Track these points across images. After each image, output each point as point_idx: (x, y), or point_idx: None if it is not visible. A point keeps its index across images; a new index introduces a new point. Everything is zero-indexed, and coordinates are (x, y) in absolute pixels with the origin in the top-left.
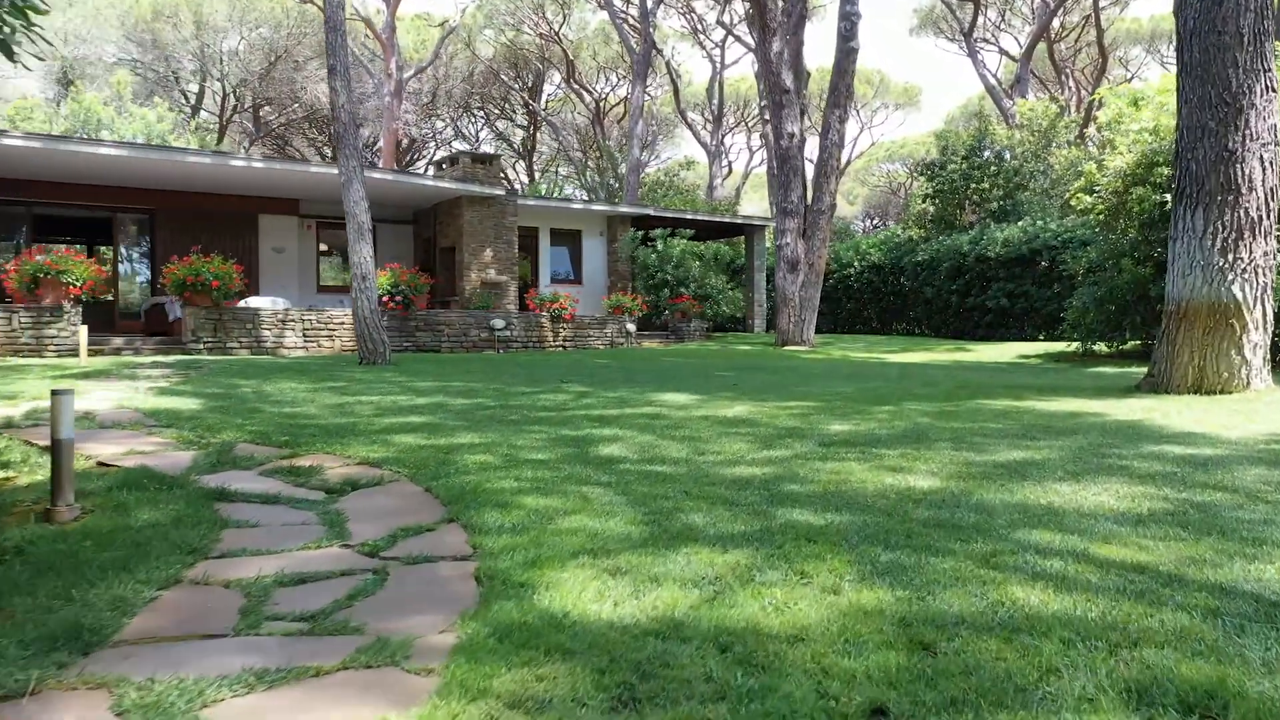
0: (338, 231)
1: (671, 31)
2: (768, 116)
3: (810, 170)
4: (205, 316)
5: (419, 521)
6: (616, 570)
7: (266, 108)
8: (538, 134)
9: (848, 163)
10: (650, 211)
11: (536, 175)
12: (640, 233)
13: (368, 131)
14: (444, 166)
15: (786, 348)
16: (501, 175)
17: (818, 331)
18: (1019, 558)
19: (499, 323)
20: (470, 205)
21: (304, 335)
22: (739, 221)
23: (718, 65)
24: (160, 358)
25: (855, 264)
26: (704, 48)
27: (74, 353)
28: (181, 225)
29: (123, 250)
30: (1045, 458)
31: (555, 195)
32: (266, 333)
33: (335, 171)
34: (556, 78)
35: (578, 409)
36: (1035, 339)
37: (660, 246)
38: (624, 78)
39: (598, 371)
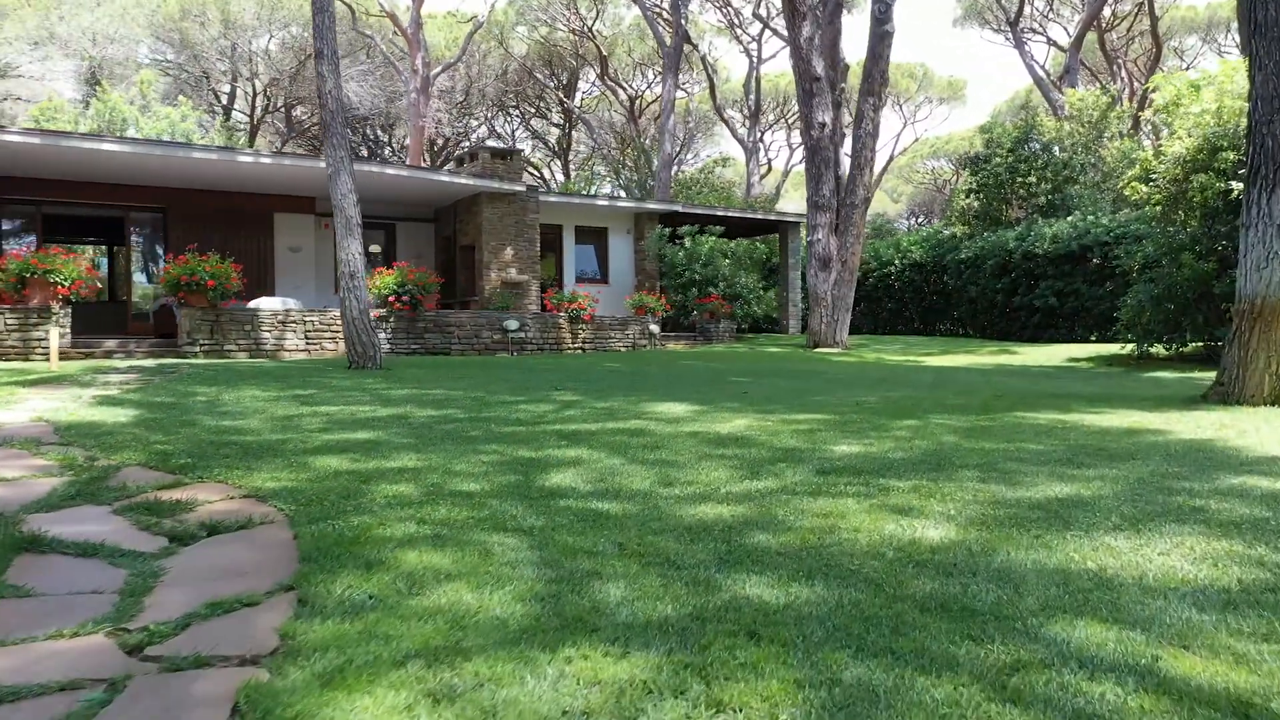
0: (362, 231)
1: (708, 26)
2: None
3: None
4: (201, 318)
5: (249, 590)
6: (447, 693)
7: (299, 108)
8: (573, 132)
9: (890, 159)
10: (678, 208)
11: (572, 174)
12: (667, 230)
13: (403, 132)
14: (464, 162)
15: (818, 350)
16: (524, 170)
17: (855, 332)
18: (1054, 678)
19: (512, 324)
20: (489, 202)
21: (306, 337)
22: (772, 218)
23: (754, 59)
24: (144, 361)
25: (896, 262)
26: (740, 42)
27: (64, 355)
28: (194, 224)
29: (135, 250)
30: (1095, 494)
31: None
32: (266, 335)
33: (373, 169)
34: (592, 75)
35: (554, 423)
36: (1087, 340)
37: (688, 244)
38: (660, 74)
39: (602, 376)
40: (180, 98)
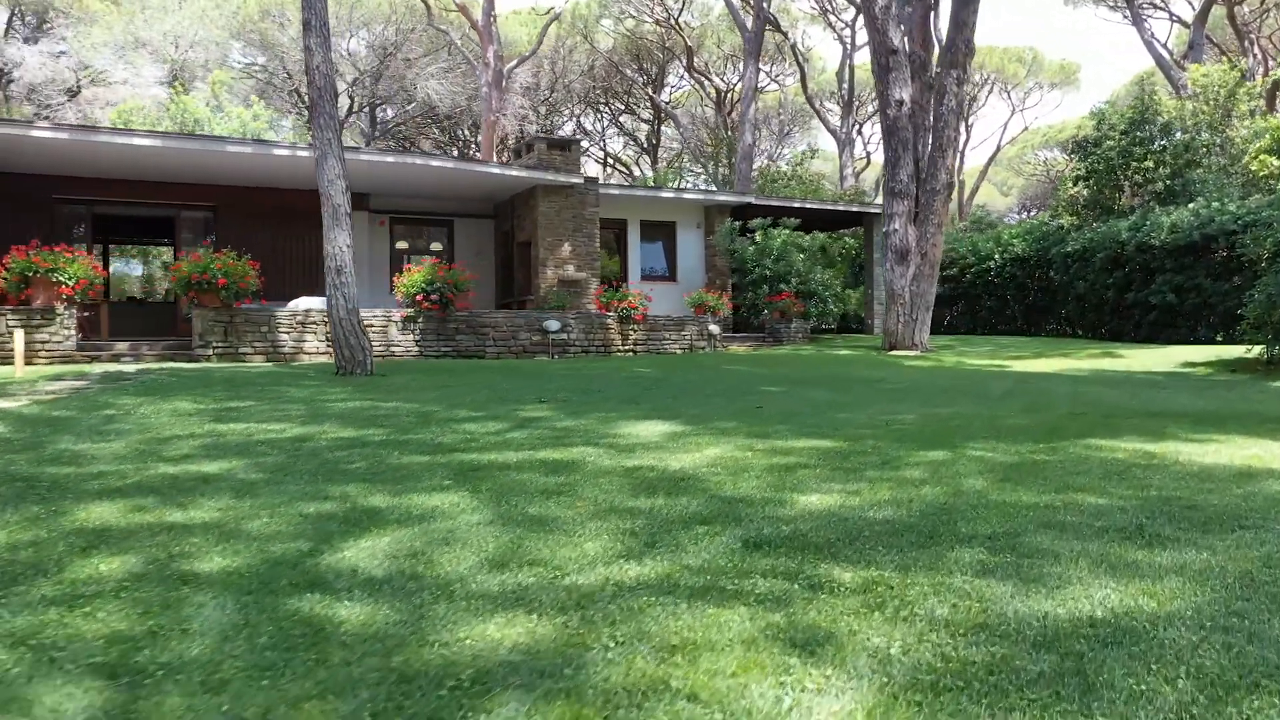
0: (420, 228)
1: (800, 14)
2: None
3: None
4: (215, 319)
5: None
6: None
7: (383, 107)
8: (662, 128)
9: (997, 150)
10: (751, 199)
11: (662, 170)
12: (738, 223)
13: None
14: (521, 154)
15: (893, 353)
16: (581, 161)
17: (950, 332)
18: None
19: (553, 324)
20: (546, 195)
21: (327, 339)
22: (854, 209)
23: (848, 47)
24: (141, 365)
25: (996, 257)
26: (833, 29)
27: (69, 358)
28: (243, 223)
29: (186, 250)
30: (1164, 612)
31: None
32: (284, 336)
33: (391, 159)
34: (680, 69)
35: (475, 449)
36: (1211, 341)
37: (759, 238)
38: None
39: (612, 385)
40: (253, 97)
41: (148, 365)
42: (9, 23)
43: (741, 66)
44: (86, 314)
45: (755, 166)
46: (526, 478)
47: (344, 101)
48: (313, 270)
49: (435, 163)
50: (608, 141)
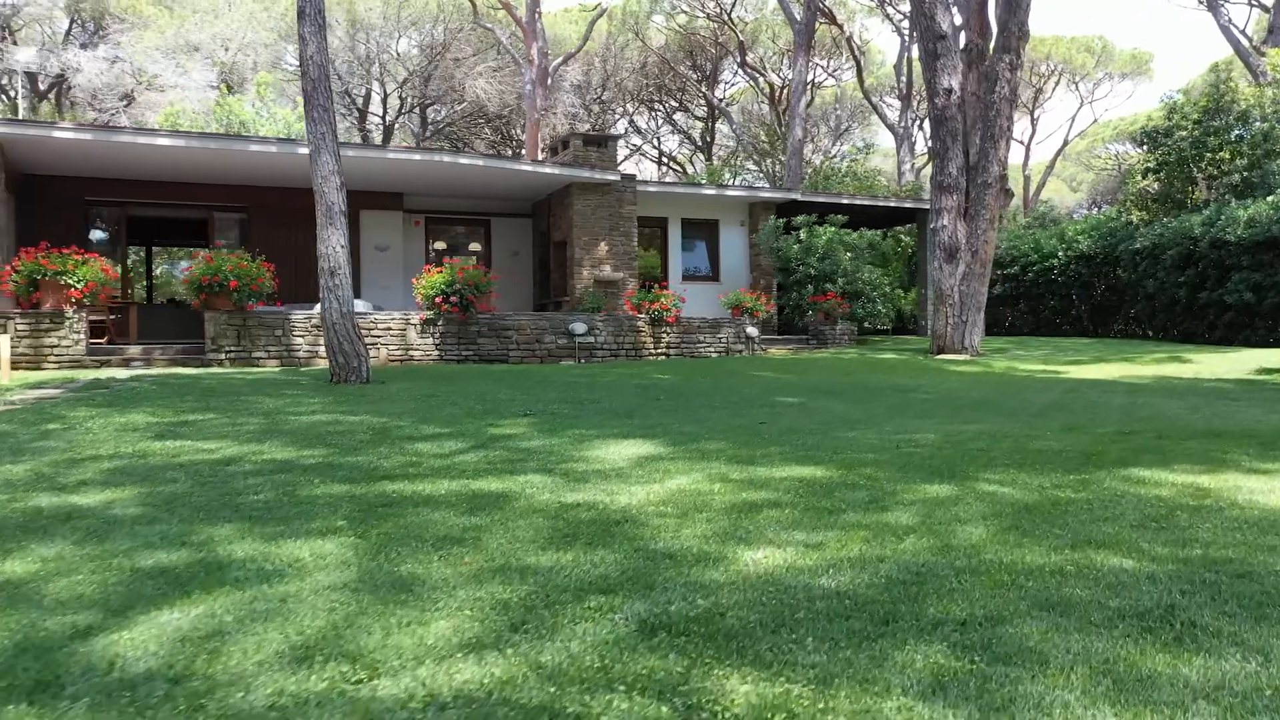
0: (456, 228)
1: (858, 6)
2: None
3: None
4: (227, 322)
5: None
6: None
7: (434, 107)
8: (716, 125)
9: (1064, 143)
10: (796, 196)
11: (716, 167)
12: (782, 221)
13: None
14: (557, 151)
15: (940, 357)
16: (618, 157)
17: (1012, 333)
18: None
19: (579, 327)
20: (581, 193)
21: None
22: (906, 205)
23: (906, 38)
24: (138, 372)
25: (1060, 254)
26: (891, 20)
27: (78, 363)
28: (276, 224)
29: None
30: None
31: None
32: (299, 340)
33: (419, 157)
34: (734, 65)
35: (412, 475)
36: None
37: (803, 236)
38: (813, 63)
39: (620, 395)
40: (299, 98)
41: (143, 372)
42: (69, 30)
43: (802, 64)
44: (114, 316)
45: (811, 163)
46: (438, 518)
47: (394, 102)
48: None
49: (464, 160)
50: (662, 140)
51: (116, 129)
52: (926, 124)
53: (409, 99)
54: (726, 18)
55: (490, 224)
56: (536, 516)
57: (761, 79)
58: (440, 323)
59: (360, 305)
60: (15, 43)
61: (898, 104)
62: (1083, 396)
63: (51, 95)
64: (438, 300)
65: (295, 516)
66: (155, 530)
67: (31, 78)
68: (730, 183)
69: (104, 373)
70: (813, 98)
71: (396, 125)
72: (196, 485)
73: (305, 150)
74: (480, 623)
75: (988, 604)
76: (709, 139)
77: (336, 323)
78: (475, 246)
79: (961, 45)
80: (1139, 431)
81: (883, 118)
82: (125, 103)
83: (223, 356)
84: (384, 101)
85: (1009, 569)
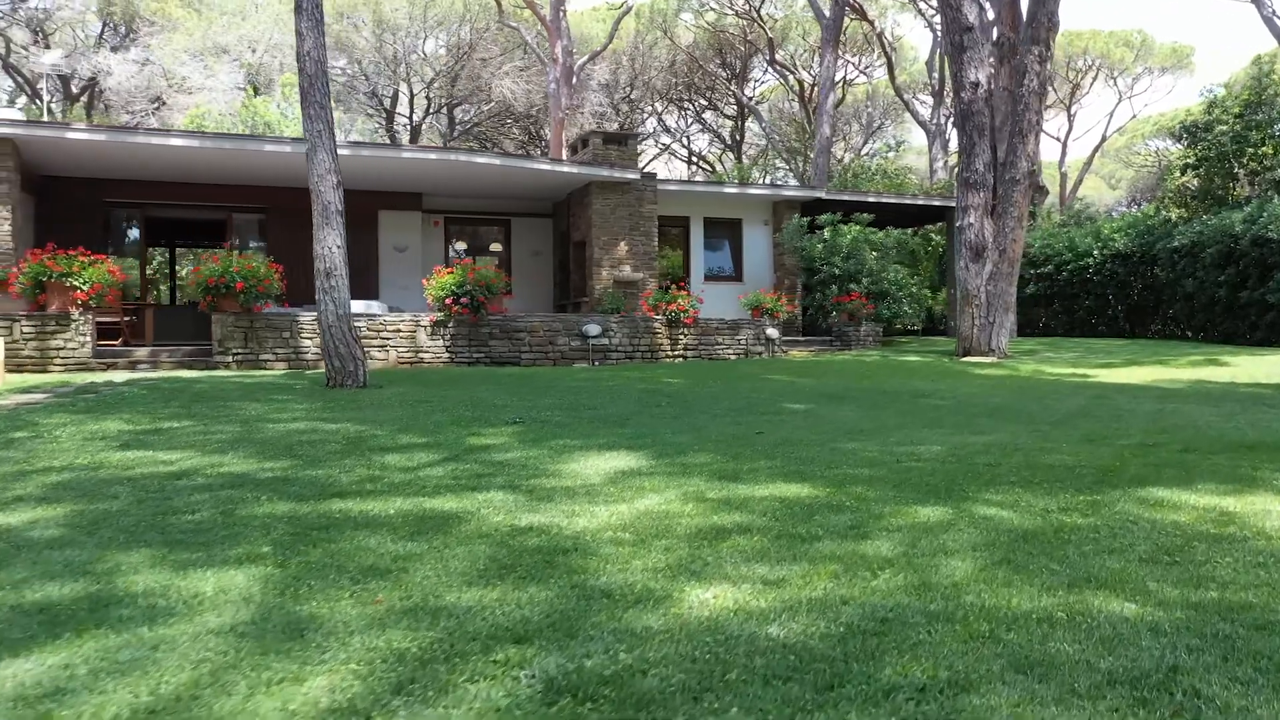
0: (475, 228)
1: (890, 2)
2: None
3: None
4: (234, 325)
5: None
6: None
7: (463, 107)
8: (745, 124)
9: (1102, 139)
10: (821, 194)
11: (746, 166)
12: (806, 219)
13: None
14: (577, 149)
15: (966, 359)
16: (638, 156)
17: (1044, 333)
18: None
19: (593, 329)
20: (600, 192)
21: None
22: (935, 203)
23: (938, 34)
24: (135, 375)
25: (1095, 253)
26: (923, 15)
27: (84, 365)
28: (295, 224)
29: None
30: None
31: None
32: (307, 343)
33: (434, 156)
34: (764, 62)
35: (367, 491)
36: None
37: (827, 234)
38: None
39: (620, 400)
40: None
41: (143, 375)
42: (100, 34)
43: (829, 59)
44: (129, 318)
45: (842, 161)
46: (373, 544)
47: (421, 102)
48: (367, 272)
49: (480, 159)
50: (692, 139)
51: (129, 129)
52: None
53: (437, 99)
54: (755, 15)
55: (510, 224)
56: (480, 543)
57: (791, 76)
58: (450, 325)
59: (375, 307)
60: (48, 46)
61: (930, 100)
62: (1109, 403)
63: (84, 98)
64: (448, 301)
65: (221, 541)
66: (62, 557)
67: (64, 80)
68: (758, 181)
69: (105, 376)
70: (844, 95)
71: (424, 125)
72: (134, 502)
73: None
74: (363, 680)
75: (956, 663)
76: (738, 138)
77: (332, 325)
78: (496, 247)
79: (994, 39)
80: (1164, 443)
81: (915, 114)
82: (155, 105)
83: (230, 359)
84: (410, 102)
85: (990, 615)
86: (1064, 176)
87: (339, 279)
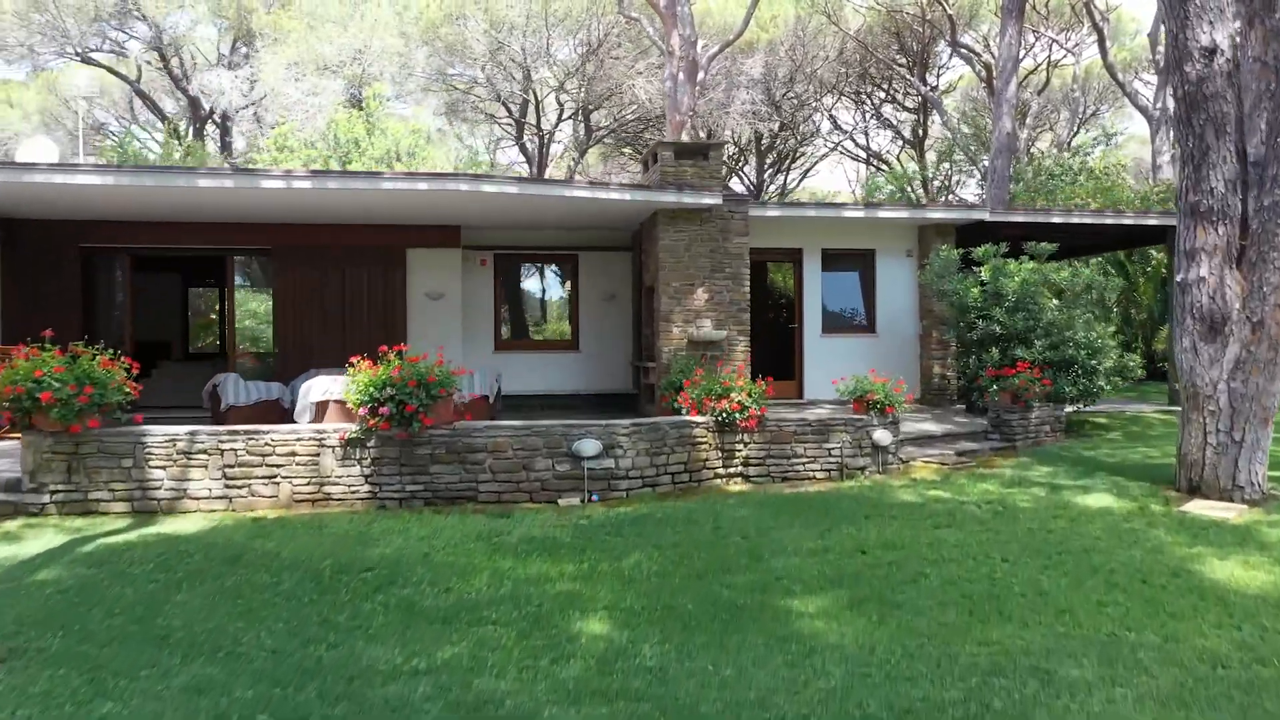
0: (532, 265)
1: None
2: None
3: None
4: (51, 450)
5: None
6: None
7: (598, 112)
8: (928, 118)
9: None
10: (983, 216)
11: (932, 163)
12: (959, 251)
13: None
14: (648, 167)
15: (1192, 505)
16: (723, 169)
17: None
18: None
19: (588, 447)
20: (668, 222)
21: (224, 475)
22: (1151, 222)
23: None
24: None
25: None
26: None
27: None
28: (305, 267)
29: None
30: None
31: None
32: (157, 473)
33: (464, 187)
34: (946, 45)
35: None
36: None
37: (985, 275)
38: (1047, 36)
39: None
40: (416, 107)
41: None
42: (222, 51)
43: (1030, 39)
44: None
45: (1040, 161)
46: None
47: (552, 107)
48: (389, 323)
49: (489, 188)
50: (871, 138)
51: (74, 168)
52: None
53: (569, 104)
54: None
55: (578, 260)
56: None
57: (978, 61)
58: (372, 443)
59: (326, 382)
60: (186, 73)
61: (1155, 80)
62: None
63: (215, 119)
64: (363, 412)
65: None
66: None
67: (194, 103)
68: (881, 200)
69: None
70: (1048, 79)
71: (556, 133)
72: None
73: (333, 185)
74: None
75: None
76: (921, 133)
77: None
78: (565, 285)
79: None
80: None
81: (1131, 98)
82: (258, 124)
83: (46, 500)
84: (538, 108)
85: None
86: None
87: None
